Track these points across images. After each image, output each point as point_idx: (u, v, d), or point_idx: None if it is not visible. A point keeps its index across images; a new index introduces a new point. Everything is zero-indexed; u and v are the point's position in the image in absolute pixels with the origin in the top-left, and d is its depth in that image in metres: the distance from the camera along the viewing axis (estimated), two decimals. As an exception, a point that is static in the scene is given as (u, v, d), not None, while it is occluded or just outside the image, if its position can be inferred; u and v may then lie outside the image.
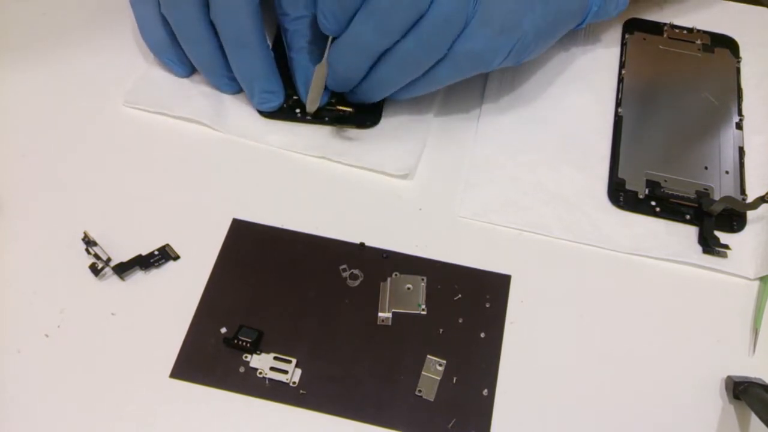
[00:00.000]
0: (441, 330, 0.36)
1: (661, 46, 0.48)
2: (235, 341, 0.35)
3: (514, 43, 0.38)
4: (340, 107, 0.43)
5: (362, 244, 0.39)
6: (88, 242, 0.38)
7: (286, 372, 0.35)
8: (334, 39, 0.38)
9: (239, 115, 0.44)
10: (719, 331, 0.37)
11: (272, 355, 0.35)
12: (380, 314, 0.37)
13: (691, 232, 0.40)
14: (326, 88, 0.41)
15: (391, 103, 0.44)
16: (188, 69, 0.44)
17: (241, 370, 0.35)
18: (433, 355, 0.36)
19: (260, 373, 0.35)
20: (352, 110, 0.43)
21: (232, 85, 0.43)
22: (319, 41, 0.41)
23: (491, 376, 0.35)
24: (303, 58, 0.42)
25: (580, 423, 0.34)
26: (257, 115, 0.44)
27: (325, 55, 0.39)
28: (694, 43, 0.48)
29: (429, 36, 0.36)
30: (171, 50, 0.43)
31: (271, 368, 0.35)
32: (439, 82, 0.40)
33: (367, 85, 0.40)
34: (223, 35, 0.40)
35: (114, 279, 0.38)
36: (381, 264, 0.38)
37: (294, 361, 0.35)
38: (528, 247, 0.39)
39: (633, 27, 0.48)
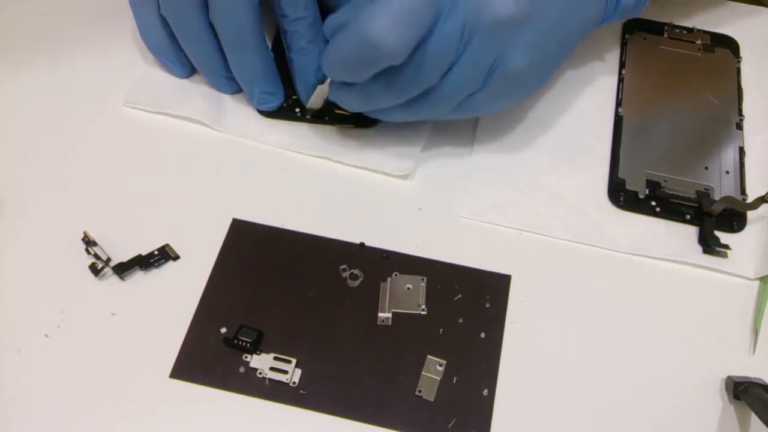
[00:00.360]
0: (441, 330, 0.36)
1: (661, 46, 0.48)
2: (235, 341, 0.35)
3: (522, 97, 0.40)
4: (339, 110, 0.43)
5: (362, 244, 0.39)
6: (88, 242, 0.38)
7: (286, 372, 0.35)
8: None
9: (239, 115, 0.44)
10: (719, 331, 0.37)
11: (272, 355, 0.35)
12: (380, 314, 0.37)
13: (691, 232, 0.40)
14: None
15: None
16: (188, 70, 0.44)
17: (241, 370, 0.35)
18: (433, 355, 0.36)
19: (260, 373, 0.35)
20: (348, 113, 0.43)
21: (232, 85, 0.43)
22: (319, 42, 0.41)
23: (491, 376, 0.35)
24: (303, 59, 0.42)
25: (580, 423, 0.34)
26: (257, 115, 0.44)
27: (328, 81, 0.39)
28: (694, 43, 0.48)
29: (436, 101, 0.37)
30: (171, 51, 0.43)
31: (271, 368, 0.35)
32: (442, 117, 0.40)
33: (369, 112, 0.40)
34: (222, 36, 0.40)
35: (114, 279, 0.38)
36: (381, 264, 0.38)
37: (294, 361, 0.35)
38: (528, 247, 0.39)
39: (633, 27, 0.48)
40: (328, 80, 0.39)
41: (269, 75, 0.42)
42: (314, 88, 0.42)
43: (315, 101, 0.41)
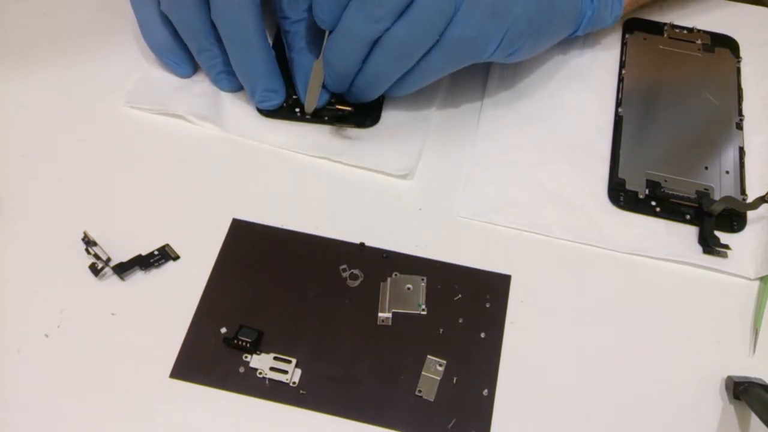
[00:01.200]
0: (441, 330, 0.36)
1: (661, 46, 0.48)
2: (235, 341, 0.35)
3: (506, 30, 0.38)
4: (340, 107, 0.43)
5: (362, 244, 0.39)
6: (88, 242, 0.38)
7: (286, 372, 0.35)
8: (330, 35, 0.39)
9: (239, 114, 0.44)
10: (719, 331, 0.37)
11: (272, 355, 0.35)
12: (380, 314, 0.37)
13: (691, 232, 0.40)
14: (325, 88, 0.41)
15: (390, 103, 0.44)
16: (190, 69, 0.45)
17: (241, 370, 0.35)
18: (433, 355, 0.36)
19: (260, 373, 0.35)
20: (352, 109, 0.43)
21: (233, 83, 0.43)
22: (319, 42, 0.41)
23: (491, 376, 0.35)
24: (303, 59, 0.42)
25: (579, 423, 0.34)
26: (258, 115, 0.44)
27: (322, 52, 0.39)
28: (694, 43, 0.48)
29: (419, 22, 0.36)
30: (172, 51, 0.43)
31: (271, 368, 0.35)
32: (434, 73, 0.39)
33: (362, 80, 0.40)
34: (223, 35, 0.40)
35: (114, 279, 0.38)
36: (381, 264, 0.38)
37: (294, 361, 0.35)
38: (528, 247, 0.39)
39: (633, 27, 0.48)
40: (321, 54, 0.39)
41: (271, 72, 0.42)
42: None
43: (310, 95, 0.41)
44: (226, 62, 0.42)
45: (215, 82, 0.44)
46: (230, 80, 0.43)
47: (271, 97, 0.43)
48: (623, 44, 0.48)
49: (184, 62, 0.44)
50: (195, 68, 0.45)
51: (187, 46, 0.43)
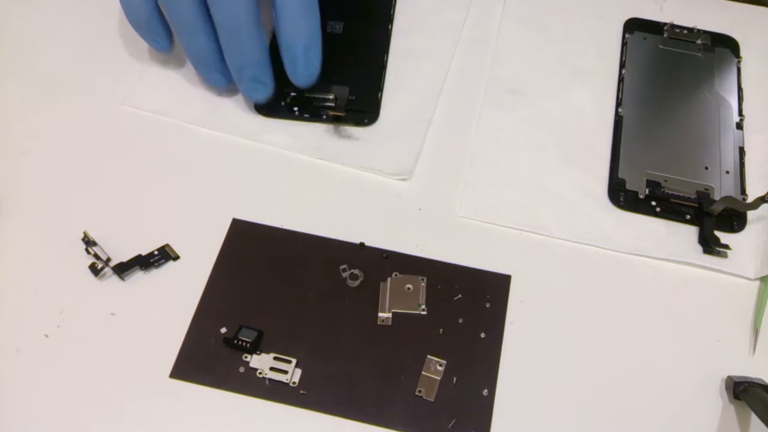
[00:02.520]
0: (441, 330, 0.36)
1: (661, 46, 0.48)
2: (235, 341, 0.35)
3: None
4: (335, 113, 0.42)
5: (362, 244, 0.39)
6: (88, 242, 0.38)
7: (286, 372, 0.35)
8: None
9: (239, 114, 0.44)
10: (719, 331, 0.37)
11: (272, 355, 0.35)
12: (380, 314, 0.37)
13: (691, 232, 0.40)
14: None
15: (390, 103, 0.44)
16: (167, 44, 0.43)
17: (241, 370, 0.35)
18: (433, 355, 0.36)
19: (260, 373, 0.35)
20: (344, 114, 0.42)
21: (224, 79, 0.43)
22: (308, 13, 0.40)
23: (491, 376, 0.35)
24: (289, 29, 0.40)
25: (579, 423, 0.34)
26: (257, 114, 0.44)
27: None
28: (694, 42, 0.48)
29: None
30: (151, 27, 0.42)
31: (271, 368, 0.35)
32: None
33: None
34: (217, 20, 0.39)
35: (114, 279, 0.38)
36: (381, 264, 0.38)
37: (294, 361, 0.35)
38: (528, 247, 0.39)
39: (633, 27, 0.48)
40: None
41: (262, 62, 0.41)
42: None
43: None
44: (218, 58, 0.41)
45: (206, 77, 0.43)
46: (221, 76, 0.42)
47: (258, 89, 0.42)
48: (623, 44, 0.48)
49: (162, 38, 0.43)
50: (172, 43, 0.44)
51: (180, 41, 0.42)
